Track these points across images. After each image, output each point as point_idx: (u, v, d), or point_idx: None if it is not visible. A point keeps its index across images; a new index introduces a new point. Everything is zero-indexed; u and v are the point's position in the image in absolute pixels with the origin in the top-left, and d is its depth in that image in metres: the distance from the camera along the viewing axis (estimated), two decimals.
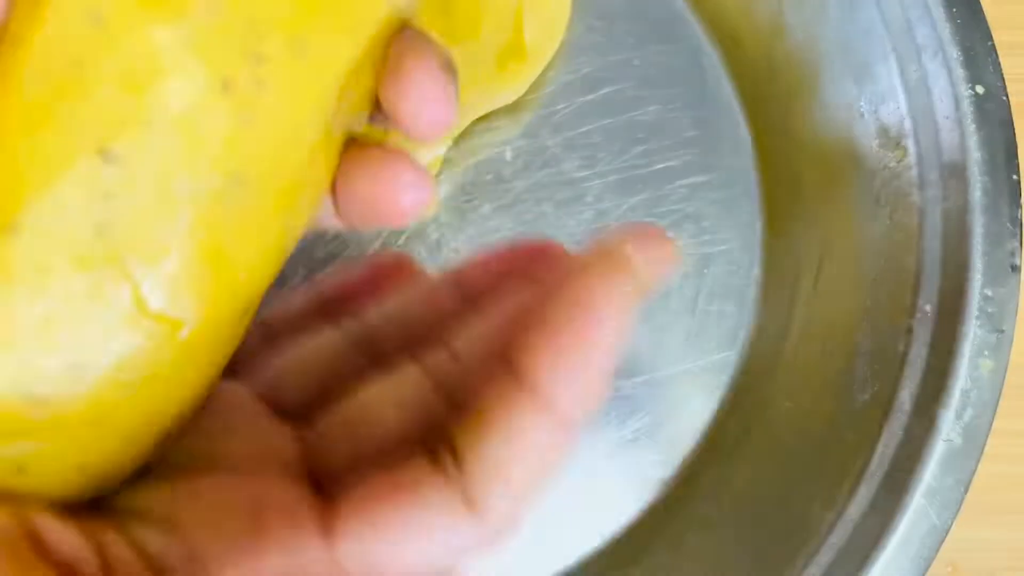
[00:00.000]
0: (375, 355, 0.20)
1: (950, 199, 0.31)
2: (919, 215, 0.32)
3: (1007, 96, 0.31)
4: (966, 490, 0.29)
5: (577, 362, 0.16)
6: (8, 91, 0.14)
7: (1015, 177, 0.30)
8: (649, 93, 0.38)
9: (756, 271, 0.37)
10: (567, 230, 0.37)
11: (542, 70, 0.36)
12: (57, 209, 0.14)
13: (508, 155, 0.37)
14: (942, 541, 0.29)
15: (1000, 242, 0.30)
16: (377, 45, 0.16)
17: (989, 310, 0.30)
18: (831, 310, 0.35)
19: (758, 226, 0.37)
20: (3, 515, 0.15)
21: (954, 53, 0.31)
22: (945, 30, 0.31)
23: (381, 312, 0.20)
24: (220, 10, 0.14)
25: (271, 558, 0.15)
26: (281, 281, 0.18)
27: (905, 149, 0.33)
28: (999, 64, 0.31)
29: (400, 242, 0.36)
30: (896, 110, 0.33)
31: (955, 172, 0.31)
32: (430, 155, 0.34)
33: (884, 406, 0.31)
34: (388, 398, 0.18)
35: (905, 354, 0.31)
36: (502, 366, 0.16)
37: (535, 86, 0.36)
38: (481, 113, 0.35)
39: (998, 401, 0.29)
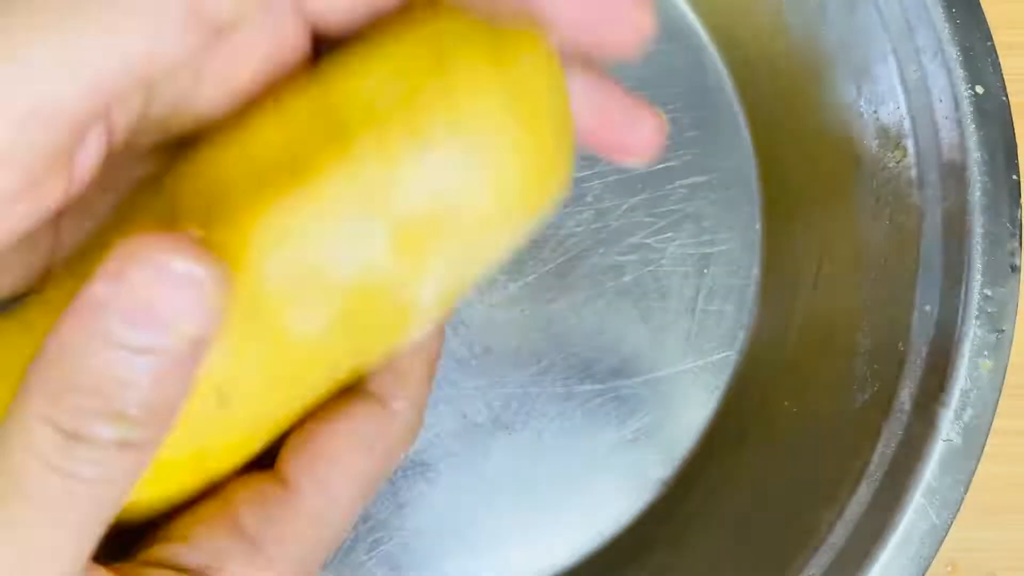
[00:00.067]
0: None
1: (950, 199, 0.31)
2: (919, 215, 0.32)
3: (1007, 96, 0.31)
4: (966, 490, 0.29)
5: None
6: None
7: (1015, 177, 0.31)
8: (649, 93, 0.37)
9: (756, 271, 0.37)
10: (566, 230, 0.37)
11: None
12: None
13: None
14: (942, 541, 0.29)
15: (1000, 242, 0.30)
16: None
17: (989, 310, 0.30)
18: (831, 310, 0.35)
19: (758, 226, 0.37)
20: None
21: (953, 53, 0.31)
22: (944, 30, 0.31)
23: None
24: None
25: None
26: None
27: (905, 149, 0.33)
28: (999, 64, 0.31)
29: None
30: (896, 110, 0.33)
31: (955, 172, 0.31)
32: None
33: (884, 406, 0.31)
34: None
35: (905, 354, 0.31)
36: None
37: None
38: None
39: (998, 401, 0.29)
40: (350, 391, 0.19)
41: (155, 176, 0.18)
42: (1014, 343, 0.30)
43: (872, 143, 0.34)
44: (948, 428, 0.29)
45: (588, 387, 0.36)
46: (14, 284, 0.18)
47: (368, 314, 0.17)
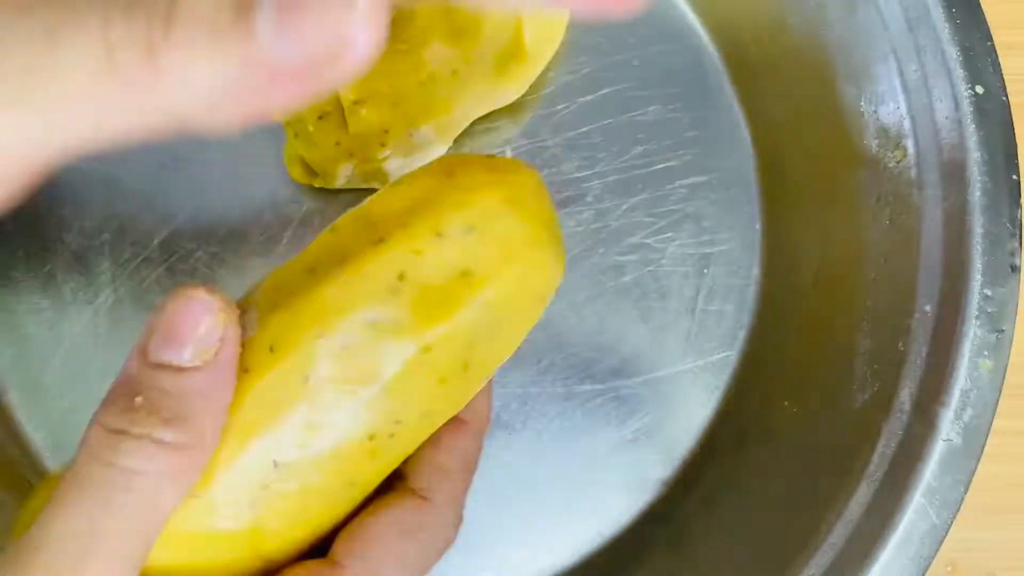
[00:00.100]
0: None
1: (950, 199, 0.31)
2: (919, 215, 0.32)
3: (1007, 96, 0.31)
4: (966, 490, 0.29)
5: None
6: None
7: (1015, 177, 0.31)
8: (649, 93, 0.38)
9: (756, 271, 0.37)
10: (567, 230, 0.37)
11: (542, 70, 0.36)
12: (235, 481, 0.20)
13: (508, 155, 0.37)
14: (942, 540, 0.29)
15: (1000, 242, 0.30)
16: None
17: (989, 310, 0.30)
18: (831, 310, 0.35)
19: (758, 226, 0.37)
20: None
21: (954, 53, 0.31)
22: (944, 30, 0.31)
23: None
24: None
25: None
26: None
27: (905, 149, 0.33)
28: (999, 64, 0.31)
29: None
30: (896, 110, 0.33)
31: (955, 172, 0.31)
32: (430, 156, 0.34)
33: (884, 406, 0.31)
34: None
35: (905, 354, 0.31)
36: None
37: (535, 86, 0.36)
38: (481, 113, 0.35)
39: (998, 401, 0.29)
40: (397, 489, 0.23)
41: None
42: (1014, 343, 0.30)
43: (872, 143, 0.34)
44: (948, 428, 0.29)
45: (588, 387, 0.36)
46: None
47: (405, 384, 0.21)
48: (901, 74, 0.32)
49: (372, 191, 0.33)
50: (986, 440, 0.29)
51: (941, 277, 0.31)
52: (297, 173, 0.34)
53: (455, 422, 0.24)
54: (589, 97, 0.38)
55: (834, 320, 0.34)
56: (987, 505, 0.37)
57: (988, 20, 0.32)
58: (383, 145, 0.32)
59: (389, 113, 0.32)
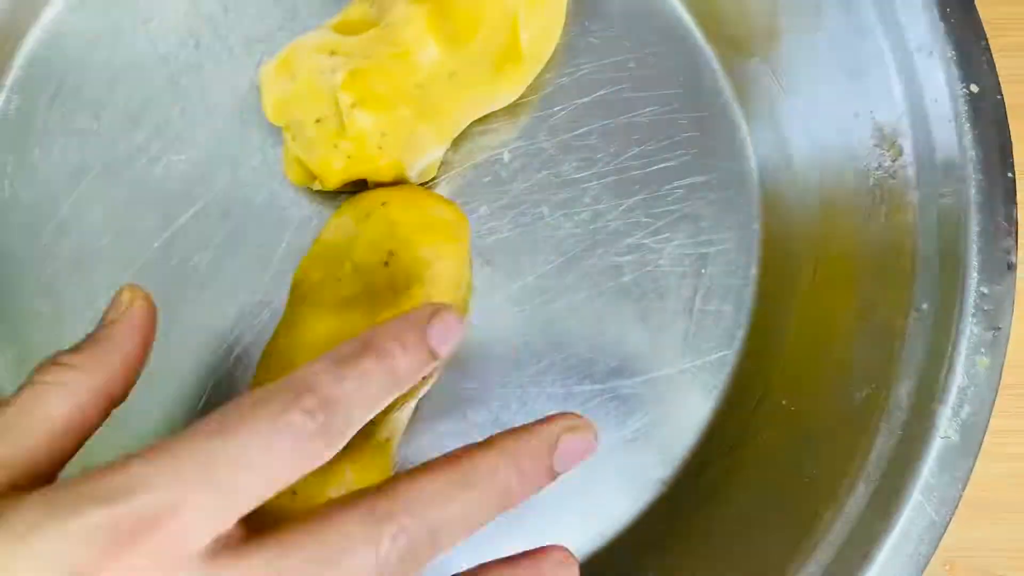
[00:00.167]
0: None
1: (946, 197, 0.31)
2: (915, 214, 0.32)
3: (1001, 95, 0.31)
4: (964, 487, 0.29)
5: None
6: None
7: (1010, 175, 0.31)
8: (646, 94, 0.38)
9: (754, 271, 0.37)
10: (565, 231, 0.37)
11: (539, 72, 0.36)
12: None
13: (506, 157, 0.37)
14: (940, 538, 0.29)
15: (996, 240, 0.30)
16: None
17: (985, 308, 0.30)
18: (828, 309, 0.35)
19: (755, 226, 0.37)
20: None
21: (948, 52, 0.31)
22: (939, 29, 0.32)
23: None
24: None
25: None
26: None
27: (901, 148, 0.33)
28: (993, 63, 0.31)
29: None
30: (892, 109, 0.33)
31: (951, 171, 0.31)
32: (428, 158, 0.34)
33: (881, 404, 0.31)
34: None
35: (902, 352, 0.31)
36: None
37: (532, 88, 0.36)
38: (479, 115, 0.36)
39: (995, 398, 0.30)
40: None
41: None
42: (1011, 341, 0.30)
43: (868, 142, 0.34)
44: (946, 426, 0.29)
45: (587, 387, 0.36)
46: None
47: None
48: (897, 73, 0.33)
49: (365, 191, 0.34)
50: (984, 437, 0.29)
51: (938, 275, 0.31)
52: (295, 175, 0.35)
53: None
54: (586, 98, 0.38)
55: (832, 319, 0.35)
56: (985, 504, 0.37)
57: (984, 22, 0.32)
58: (381, 148, 0.32)
59: (386, 116, 0.32)
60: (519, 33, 0.34)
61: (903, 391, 0.31)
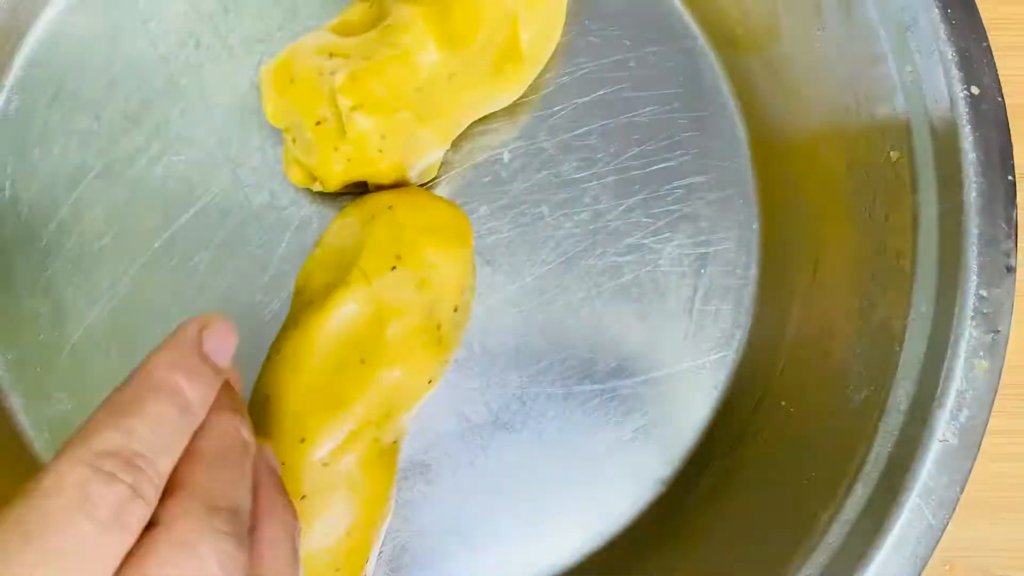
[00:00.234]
0: None
1: (945, 200, 0.31)
2: (914, 216, 0.32)
3: (1002, 97, 0.31)
4: (962, 490, 0.29)
5: None
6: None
7: (1010, 178, 0.31)
8: (646, 94, 0.38)
9: (753, 271, 0.37)
10: (564, 231, 0.37)
11: (539, 72, 0.36)
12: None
13: (506, 157, 0.37)
14: (938, 541, 0.29)
15: (995, 243, 0.30)
16: None
17: (985, 311, 0.30)
18: (827, 310, 0.35)
19: (755, 226, 0.37)
20: None
21: (949, 54, 0.31)
22: (940, 31, 0.31)
23: None
24: None
25: None
26: None
27: (901, 150, 0.33)
28: (995, 65, 0.31)
29: None
30: (892, 111, 0.33)
31: (950, 173, 0.31)
32: (428, 160, 0.34)
33: (880, 406, 0.31)
34: None
35: (901, 354, 0.31)
36: None
37: (532, 88, 0.36)
38: (478, 116, 0.36)
39: (993, 401, 0.30)
40: None
41: None
42: (1010, 343, 0.30)
43: (869, 143, 0.34)
44: (944, 428, 0.29)
45: (587, 387, 0.36)
46: None
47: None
48: (897, 75, 0.32)
49: (369, 193, 0.34)
50: (982, 440, 0.29)
51: (937, 278, 0.31)
52: (296, 176, 0.35)
53: None
54: (586, 98, 0.38)
55: (831, 320, 0.35)
56: (984, 504, 0.37)
57: (985, 22, 0.32)
58: (381, 151, 0.32)
59: (386, 119, 0.32)
60: (519, 33, 0.34)
61: (902, 393, 0.31)
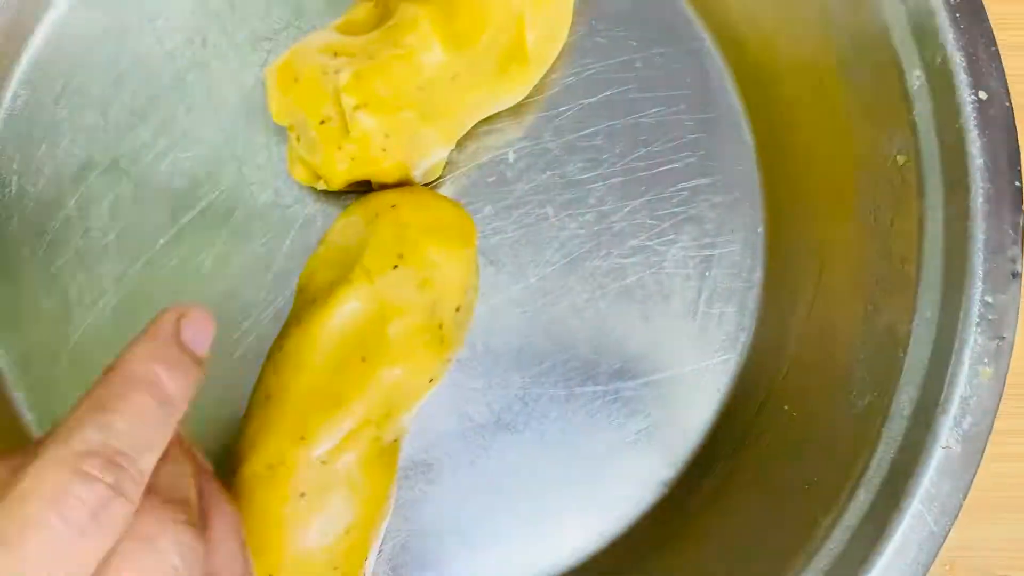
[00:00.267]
0: None
1: (951, 205, 0.31)
2: (920, 220, 0.32)
3: (1010, 102, 0.31)
4: (964, 497, 0.29)
5: None
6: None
7: (1017, 184, 0.30)
8: (652, 95, 0.38)
9: (758, 274, 0.37)
10: (569, 232, 0.37)
11: (545, 72, 0.36)
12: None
13: (511, 157, 0.37)
14: (939, 548, 0.29)
15: (1001, 249, 0.30)
16: None
17: (990, 317, 0.30)
18: (832, 314, 0.35)
19: (760, 229, 0.37)
20: None
21: (957, 58, 0.31)
22: (948, 35, 0.31)
23: None
24: None
25: None
26: None
27: (907, 154, 0.32)
28: (1003, 70, 0.31)
29: None
30: (898, 115, 0.33)
31: (957, 178, 0.31)
32: (433, 159, 0.34)
33: (883, 412, 0.31)
34: None
35: (905, 360, 0.31)
36: None
37: (538, 88, 0.36)
38: (484, 115, 0.36)
39: (997, 408, 0.29)
40: None
41: None
42: (1014, 345, 0.30)
43: (874, 148, 0.34)
44: (947, 435, 0.29)
45: (590, 389, 0.36)
46: None
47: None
48: (904, 79, 0.32)
49: (372, 192, 0.34)
50: (985, 447, 0.29)
51: (942, 283, 0.31)
52: (300, 174, 0.35)
53: None
54: (592, 99, 0.38)
55: (835, 324, 0.34)
56: (985, 504, 0.37)
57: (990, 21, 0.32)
58: (385, 150, 0.32)
59: (390, 118, 0.32)
60: (525, 34, 0.33)
61: (905, 399, 0.30)
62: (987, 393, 0.29)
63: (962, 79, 0.31)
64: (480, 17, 0.33)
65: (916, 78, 0.32)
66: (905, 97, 0.32)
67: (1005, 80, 0.31)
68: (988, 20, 0.31)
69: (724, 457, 0.35)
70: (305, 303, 0.32)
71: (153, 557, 0.20)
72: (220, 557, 0.23)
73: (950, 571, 0.37)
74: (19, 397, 0.35)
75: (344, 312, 0.30)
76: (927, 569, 0.29)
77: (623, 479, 0.35)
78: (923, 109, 0.32)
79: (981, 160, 0.31)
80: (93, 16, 0.38)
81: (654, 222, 0.37)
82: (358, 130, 0.31)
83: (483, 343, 0.36)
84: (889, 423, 0.31)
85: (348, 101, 0.31)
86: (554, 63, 0.36)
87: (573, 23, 0.36)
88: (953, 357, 0.30)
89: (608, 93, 0.38)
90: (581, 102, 0.38)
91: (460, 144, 0.36)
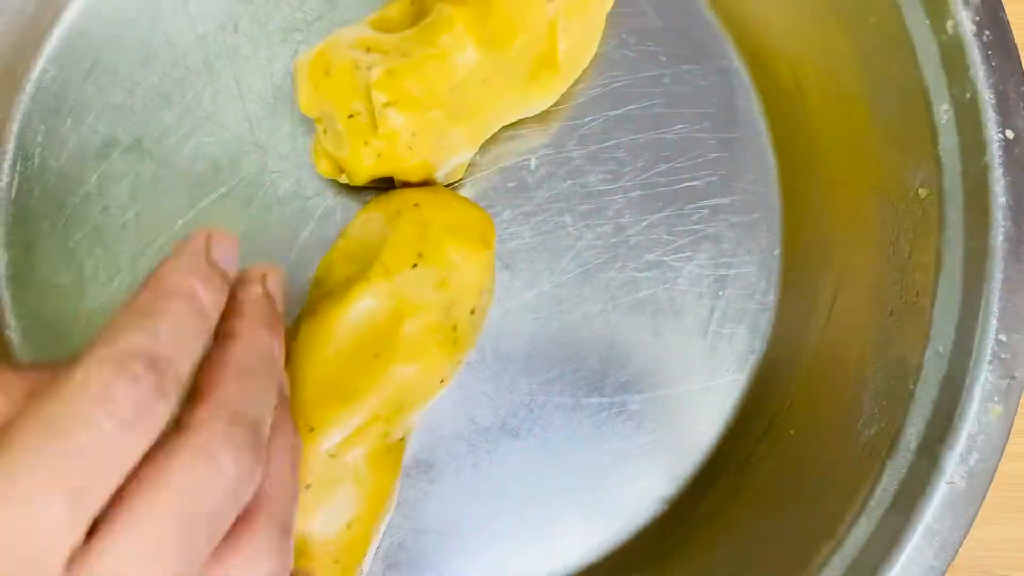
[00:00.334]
0: None
1: (971, 241, 0.31)
2: (938, 255, 0.32)
3: None
4: (966, 533, 0.29)
5: None
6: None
7: None
8: (677, 111, 0.38)
9: (772, 297, 0.37)
10: (586, 242, 0.37)
11: (573, 82, 0.36)
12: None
13: (533, 164, 0.37)
14: None
15: (1019, 288, 0.30)
16: None
17: (1002, 356, 0.30)
18: (843, 342, 0.35)
19: (777, 252, 0.37)
20: None
21: (987, 95, 0.31)
22: (979, 72, 0.31)
23: None
24: None
25: None
26: None
27: (930, 187, 0.33)
28: None
29: None
30: (924, 149, 0.33)
31: (978, 215, 0.31)
32: (457, 160, 0.34)
33: (889, 443, 0.31)
34: None
35: (914, 393, 0.31)
36: None
37: (565, 97, 0.36)
38: (510, 120, 0.36)
39: (1004, 446, 0.29)
40: None
41: None
42: None
43: (897, 179, 0.34)
44: (952, 471, 0.29)
45: (596, 400, 0.36)
46: None
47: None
48: (931, 113, 0.32)
49: (395, 189, 0.34)
50: (990, 485, 0.29)
51: (956, 319, 0.31)
52: (324, 167, 0.35)
53: None
54: (617, 112, 0.38)
55: (847, 352, 0.34)
56: (985, 504, 0.37)
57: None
58: (411, 148, 0.32)
59: (419, 117, 0.32)
60: (557, 42, 0.34)
61: (912, 432, 0.31)
62: (995, 431, 0.29)
63: (990, 116, 0.31)
64: (514, 22, 0.33)
65: (944, 112, 0.32)
66: (932, 131, 0.32)
67: None
68: (1020, 59, 0.31)
69: (727, 477, 0.35)
70: (321, 295, 0.32)
71: (211, 469, 0.21)
72: (274, 482, 0.24)
73: (950, 571, 0.37)
74: None
75: (360, 307, 0.30)
76: None
77: (624, 492, 0.35)
78: (949, 144, 0.32)
79: (1004, 199, 0.31)
80: None
81: (671, 238, 0.37)
82: (386, 127, 0.31)
83: (493, 347, 0.36)
84: (895, 455, 0.31)
85: (379, 97, 0.31)
86: (582, 73, 0.37)
87: (604, 35, 0.36)
88: (963, 393, 0.30)
89: (634, 107, 0.38)
90: (606, 114, 0.38)
91: (484, 147, 0.36)
